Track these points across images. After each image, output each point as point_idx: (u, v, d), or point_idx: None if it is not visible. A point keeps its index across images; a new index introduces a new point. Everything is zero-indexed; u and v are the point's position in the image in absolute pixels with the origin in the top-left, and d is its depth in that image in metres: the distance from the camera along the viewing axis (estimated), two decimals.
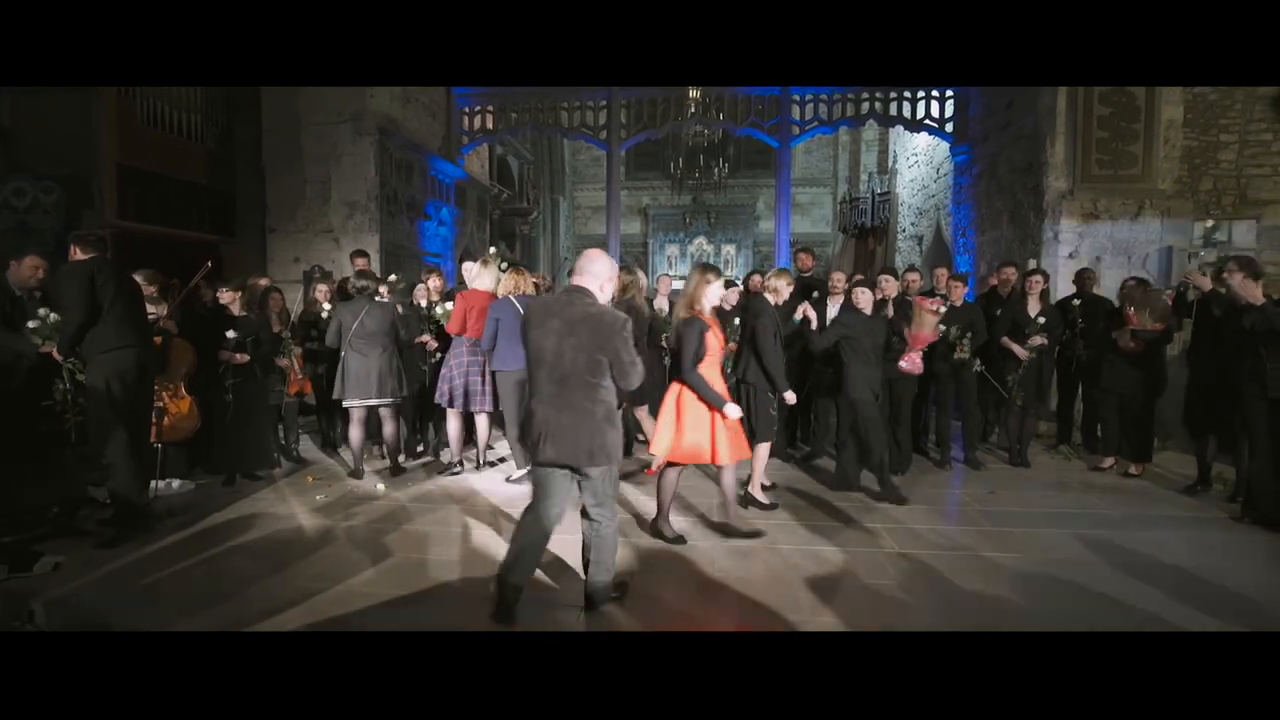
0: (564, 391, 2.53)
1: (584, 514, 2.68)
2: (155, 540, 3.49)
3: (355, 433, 4.68)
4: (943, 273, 5.71)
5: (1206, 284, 4.21)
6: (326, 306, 5.18)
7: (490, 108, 9.11)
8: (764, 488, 4.19)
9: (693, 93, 8.90)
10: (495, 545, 3.47)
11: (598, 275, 2.60)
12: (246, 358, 4.41)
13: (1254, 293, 3.69)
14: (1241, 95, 6.46)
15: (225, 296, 4.52)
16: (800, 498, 4.30)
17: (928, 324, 4.43)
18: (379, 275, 4.89)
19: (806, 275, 5.98)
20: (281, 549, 3.42)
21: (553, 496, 2.62)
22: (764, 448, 4.07)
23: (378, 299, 4.61)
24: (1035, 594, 2.97)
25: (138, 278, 3.91)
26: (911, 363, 4.51)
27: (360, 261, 5.71)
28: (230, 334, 4.31)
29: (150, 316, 3.87)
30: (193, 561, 3.27)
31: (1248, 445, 3.95)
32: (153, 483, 3.99)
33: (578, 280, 2.61)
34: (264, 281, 5.49)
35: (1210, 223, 4.71)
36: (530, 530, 2.65)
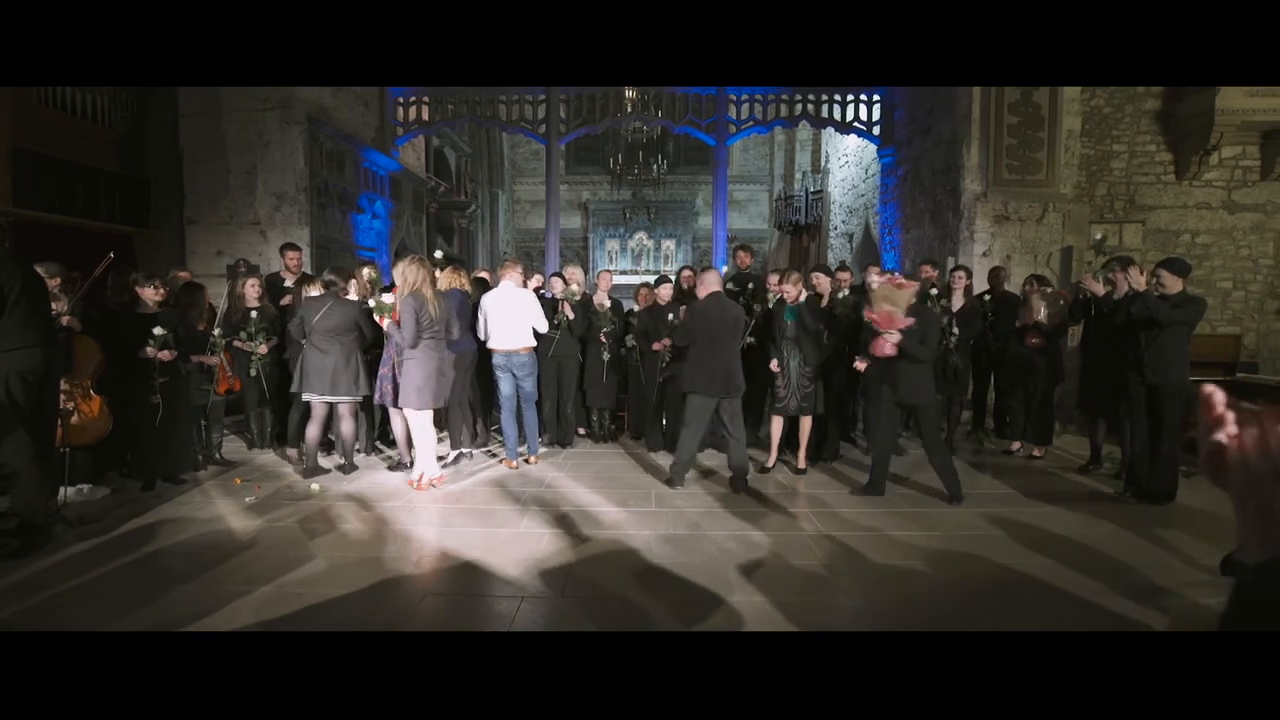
0: (715, 352, 4.29)
1: (724, 431, 4.41)
2: (64, 548, 3.30)
3: (312, 430, 4.59)
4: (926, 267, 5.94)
5: (1099, 289, 4.64)
6: (255, 303, 5.00)
7: (426, 99, 8.92)
8: (704, 474, 4.49)
9: (629, 91, 8.99)
10: (432, 541, 3.47)
11: (711, 285, 4.40)
12: (174, 354, 4.23)
13: (1137, 279, 4.18)
14: (1130, 109, 7.08)
15: (147, 293, 4.30)
16: (729, 485, 4.47)
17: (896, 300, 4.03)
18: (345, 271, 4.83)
19: (745, 271, 6.21)
20: (207, 551, 3.31)
21: (707, 414, 4.37)
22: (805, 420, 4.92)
23: (342, 297, 4.60)
24: (944, 566, 3.24)
25: (39, 270, 3.67)
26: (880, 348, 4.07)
27: (291, 255, 5.52)
28: (157, 330, 4.11)
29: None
30: (107, 569, 3.12)
31: (1130, 427, 4.39)
32: (61, 489, 3.77)
33: (713, 289, 4.39)
34: (184, 275, 5.24)
35: (1099, 235, 5.24)
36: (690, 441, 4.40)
